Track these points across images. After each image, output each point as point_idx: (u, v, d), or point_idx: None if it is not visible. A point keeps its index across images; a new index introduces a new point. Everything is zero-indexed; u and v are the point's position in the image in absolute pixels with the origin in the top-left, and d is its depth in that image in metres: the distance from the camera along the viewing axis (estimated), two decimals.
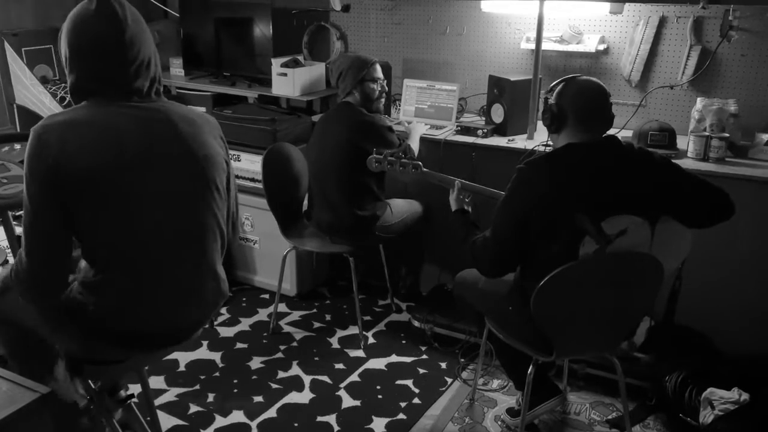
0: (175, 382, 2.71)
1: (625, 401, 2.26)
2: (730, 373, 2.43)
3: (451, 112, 3.34)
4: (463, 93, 3.49)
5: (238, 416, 2.52)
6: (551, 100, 1.99)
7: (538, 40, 2.98)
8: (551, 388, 2.44)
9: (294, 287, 3.41)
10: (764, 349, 2.61)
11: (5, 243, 2.51)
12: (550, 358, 2.04)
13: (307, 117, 3.50)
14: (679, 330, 2.72)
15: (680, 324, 2.72)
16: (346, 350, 2.99)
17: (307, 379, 2.77)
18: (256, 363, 2.88)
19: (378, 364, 2.89)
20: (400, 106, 3.50)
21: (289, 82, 3.50)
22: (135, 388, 2.19)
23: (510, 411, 2.51)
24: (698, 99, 2.87)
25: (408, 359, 2.92)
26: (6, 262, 2.68)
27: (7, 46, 3.50)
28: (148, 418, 2.11)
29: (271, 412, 2.55)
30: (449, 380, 2.77)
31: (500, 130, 3.15)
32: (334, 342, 3.06)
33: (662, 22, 3.03)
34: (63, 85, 3.63)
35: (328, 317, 3.28)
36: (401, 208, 3.05)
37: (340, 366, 2.87)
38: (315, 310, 3.34)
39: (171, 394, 2.63)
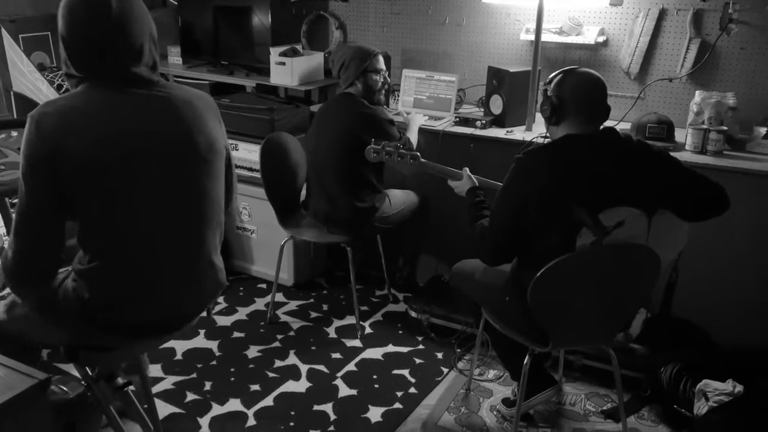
0: (173, 370, 2.72)
1: (620, 392, 2.27)
2: (725, 365, 2.45)
3: (449, 103, 3.33)
4: (462, 84, 3.48)
5: (234, 404, 2.53)
6: (550, 92, 1.99)
7: (538, 31, 2.97)
8: (547, 379, 2.45)
9: (291, 277, 3.41)
10: (759, 342, 2.62)
11: (3, 230, 2.50)
12: (546, 349, 2.05)
13: (306, 107, 3.48)
14: (675, 322, 2.73)
15: (676, 316, 2.73)
16: (342, 340, 3.00)
17: (303, 368, 2.77)
18: (253, 352, 2.88)
19: (375, 353, 2.90)
20: (398, 96, 3.48)
21: (287, 71, 3.48)
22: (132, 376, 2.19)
23: (506, 401, 2.52)
24: (697, 92, 2.87)
25: (404, 349, 2.93)
26: (2, 249, 2.67)
27: (4, 32, 3.48)
28: (146, 406, 2.12)
29: (268, 401, 2.56)
30: (445, 370, 2.78)
31: (499, 121, 3.14)
32: (331, 332, 3.07)
33: (662, 14, 3.03)
34: (60, 72, 3.61)
35: (325, 307, 3.28)
36: (399, 199, 3.05)
37: (336, 355, 2.87)
38: (312, 300, 3.35)
39: (168, 382, 2.64)
